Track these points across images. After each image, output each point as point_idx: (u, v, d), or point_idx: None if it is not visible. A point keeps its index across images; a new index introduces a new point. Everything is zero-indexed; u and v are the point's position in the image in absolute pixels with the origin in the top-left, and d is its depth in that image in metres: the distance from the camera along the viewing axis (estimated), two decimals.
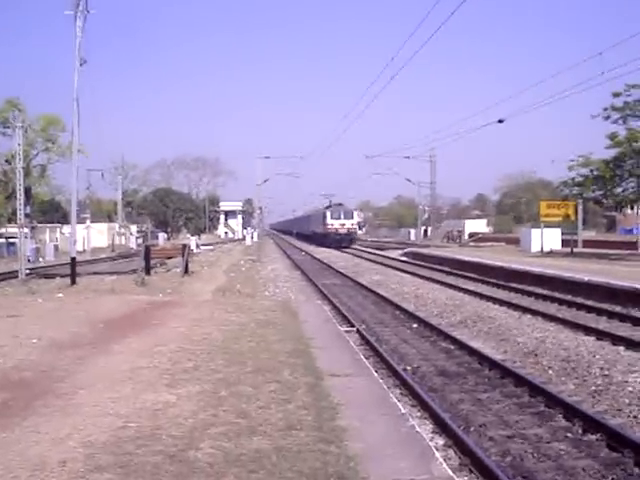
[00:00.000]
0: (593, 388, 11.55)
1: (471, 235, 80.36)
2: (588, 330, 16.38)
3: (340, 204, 76.63)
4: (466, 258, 38.92)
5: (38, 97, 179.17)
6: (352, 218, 73.22)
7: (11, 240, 52.61)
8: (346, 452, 6.73)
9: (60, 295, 23.50)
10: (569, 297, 22.76)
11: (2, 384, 9.68)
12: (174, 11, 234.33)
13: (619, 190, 42.25)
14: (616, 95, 38.90)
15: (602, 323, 17.89)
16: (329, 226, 71.12)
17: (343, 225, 71.21)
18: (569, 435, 9.24)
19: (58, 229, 68.96)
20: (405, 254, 53.46)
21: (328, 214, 72.28)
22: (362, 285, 29.80)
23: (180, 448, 6.84)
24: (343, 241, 69.96)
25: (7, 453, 6.69)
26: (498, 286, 27.60)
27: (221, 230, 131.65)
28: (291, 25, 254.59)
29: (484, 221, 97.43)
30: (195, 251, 54.10)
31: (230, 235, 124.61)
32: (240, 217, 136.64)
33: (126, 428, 7.52)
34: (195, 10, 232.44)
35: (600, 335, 15.68)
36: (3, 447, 6.88)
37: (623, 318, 18.33)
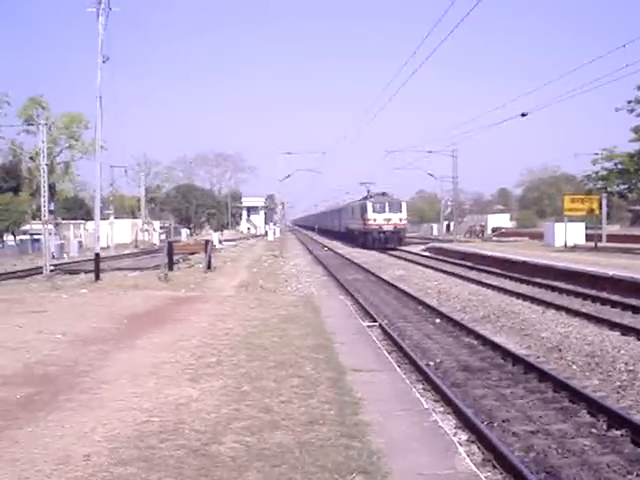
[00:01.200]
0: (618, 383, 11.45)
1: (494, 230, 79.94)
2: (613, 325, 16.24)
3: (384, 193, 60.92)
4: (489, 253, 38.72)
5: (62, 95, 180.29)
6: (400, 211, 57.37)
7: (36, 237, 53.15)
8: (369, 447, 6.72)
9: (84, 291, 23.69)
10: (593, 292, 22.57)
11: (27, 379, 9.78)
12: (195, 7, 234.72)
13: None
14: None
15: (627, 318, 17.72)
16: (370, 222, 56.28)
17: (388, 220, 56.13)
18: (593, 431, 9.17)
19: (82, 225, 69.51)
20: (428, 249, 53.27)
21: (369, 206, 57.20)
22: (384, 280, 29.75)
23: (203, 442, 6.86)
24: (389, 241, 55.57)
25: (32, 447, 6.75)
26: (521, 281, 27.41)
27: (243, 226, 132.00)
28: (312, 19, 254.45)
29: (507, 216, 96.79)
30: (218, 247, 54.33)
31: (252, 231, 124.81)
32: (262, 213, 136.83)
33: (149, 422, 7.56)
34: (216, 4, 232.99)
35: (625, 330, 15.54)
36: (28, 441, 6.95)
37: None
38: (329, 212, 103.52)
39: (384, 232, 55.89)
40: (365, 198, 62.44)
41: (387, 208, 56.83)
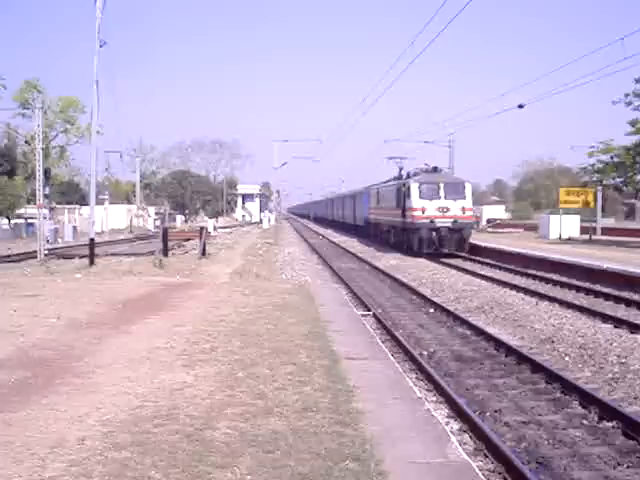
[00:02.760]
0: (610, 375, 11.51)
1: (489, 221, 79.82)
2: (606, 318, 16.31)
3: (435, 168, 40.79)
4: (483, 244, 38.71)
5: (58, 79, 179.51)
6: (463, 197, 37.27)
7: (30, 221, 53.07)
8: (362, 434, 6.77)
9: (79, 275, 23.66)
10: (587, 284, 22.64)
11: (22, 363, 9.79)
12: None
13: (639, 177, 41.92)
14: (638, 81, 38.55)
15: (620, 311, 17.80)
16: (416, 213, 36.66)
17: (445, 211, 36.38)
18: (585, 422, 9.22)
19: (77, 210, 69.30)
20: None
21: (414, 189, 37.37)
22: (379, 269, 29.80)
23: (197, 428, 6.90)
24: (445, 242, 36.13)
25: (26, 431, 6.78)
26: (515, 272, 27.47)
27: (238, 213, 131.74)
28: (310, 8, 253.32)
29: (502, 207, 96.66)
30: (212, 234, 54.21)
31: (247, 218, 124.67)
32: (258, 200, 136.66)
33: (144, 407, 7.60)
34: None
35: (618, 323, 15.61)
36: (23, 425, 6.97)
37: None
38: (335, 199, 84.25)
39: (437, 229, 35.88)
40: (398, 178, 44.06)
41: (443, 192, 36.69)
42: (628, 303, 18.79)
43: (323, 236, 62.15)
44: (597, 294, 20.74)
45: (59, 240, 50.63)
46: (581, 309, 17.70)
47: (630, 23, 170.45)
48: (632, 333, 14.50)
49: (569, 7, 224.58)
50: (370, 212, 51.88)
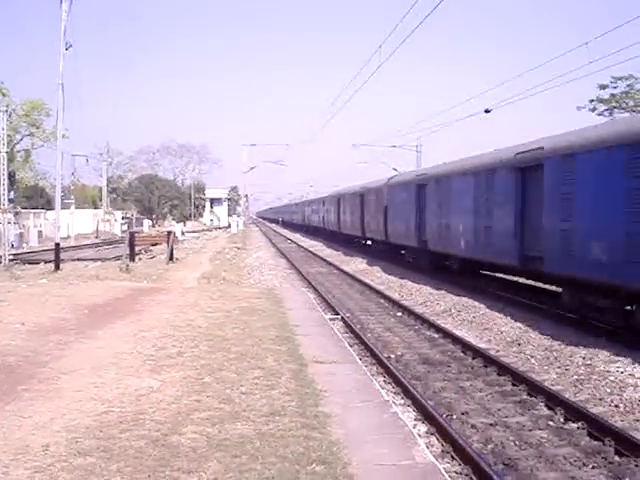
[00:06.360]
0: (575, 377, 11.61)
1: None
2: (571, 320, 16.44)
3: None
4: None
5: (23, 82, 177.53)
6: None
7: None
8: (329, 438, 6.77)
9: (44, 281, 23.38)
10: (553, 288, 22.79)
11: None
12: None
13: None
14: (602, 87, 39.16)
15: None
16: None
17: None
18: (551, 423, 9.30)
19: (42, 215, 68.51)
20: None
21: None
22: (347, 273, 29.83)
23: (163, 433, 6.85)
24: None
25: None
26: (484, 277, 27.59)
27: (206, 217, 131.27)
28: (278, 12, 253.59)
29: None
30: (180, 238, 53.97)
31: (216, 223, 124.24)
32: (226, 205, 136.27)
33: (109, 413, 7.53)
34: None
35: (583, 325, 15.73)
36: None
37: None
38: (365, 192, 40.49)
39: None
40: None
41: None
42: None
43: (292, 241, 61.60)
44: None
45: (24, 245, 50.06)
46: (547, 312, 17.83)
47: (594, 29, 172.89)
48: (597, 336, 14.64)
49: (533, 12, 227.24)
50: None
